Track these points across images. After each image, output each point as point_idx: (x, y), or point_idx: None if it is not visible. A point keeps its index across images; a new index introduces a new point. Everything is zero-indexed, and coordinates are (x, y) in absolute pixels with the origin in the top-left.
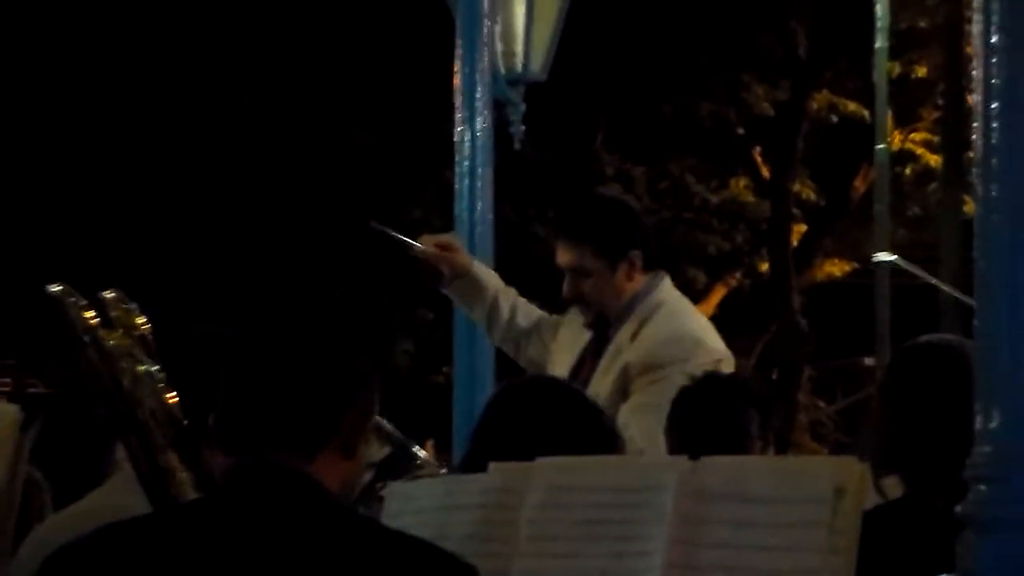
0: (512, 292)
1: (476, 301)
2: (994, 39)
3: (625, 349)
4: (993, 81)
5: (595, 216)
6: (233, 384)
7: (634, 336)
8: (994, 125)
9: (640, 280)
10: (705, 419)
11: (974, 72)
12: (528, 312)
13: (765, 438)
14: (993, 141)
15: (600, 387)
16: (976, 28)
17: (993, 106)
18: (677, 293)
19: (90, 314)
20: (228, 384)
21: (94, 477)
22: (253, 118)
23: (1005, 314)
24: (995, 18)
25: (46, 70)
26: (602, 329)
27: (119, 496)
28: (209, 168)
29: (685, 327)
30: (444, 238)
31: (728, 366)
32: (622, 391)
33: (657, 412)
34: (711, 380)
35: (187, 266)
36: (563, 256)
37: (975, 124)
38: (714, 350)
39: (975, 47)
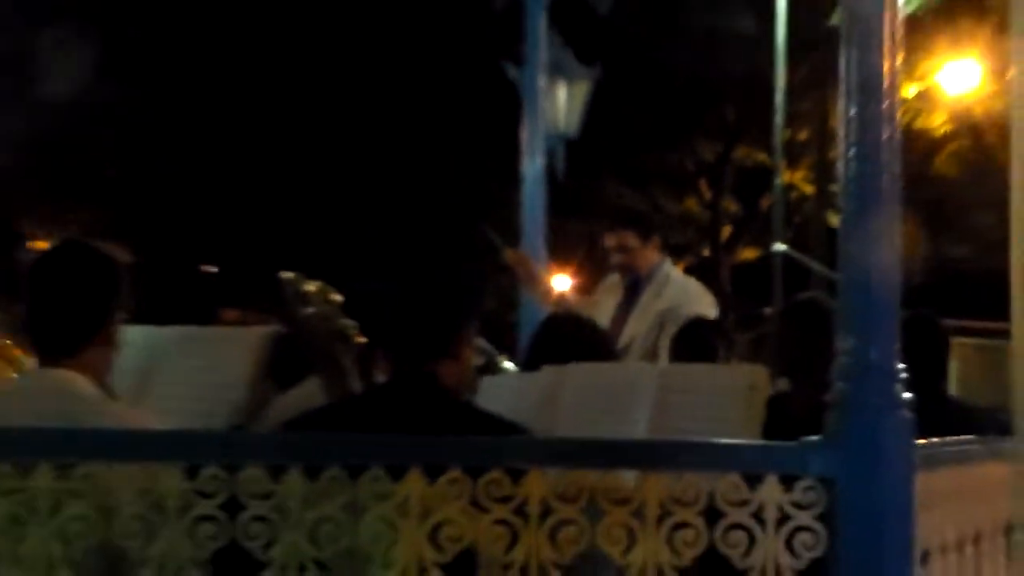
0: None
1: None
2: (851, 112)
3: (654, 302)
4: (849, 138)
5: (637, 215)
6: (392, 326)
7: (658, 295)
8: (850, 166)
9: (656, 257)
10: (689, 345)
11: (840, 134)
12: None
13: (728, 357)
14: (849, 175)
15: (637, 326)
16: (841, 106)
17: (850, 152)
18: (674, 267)
19: (311, 286)
20: (390, 326)
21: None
22: (395, 143)
23: (856, 276)
24: (852, 102)
25: (198, 68)
26: (632, 290)
27: (314, 390)
28: (357, 178)
29: (692, 287)
30: (519, 253)
31: (714, 309)
32: (659, 326)
33: None
34: (696, 321)
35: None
36: (614, 239)
37: (839, 165)
38: (709, 300)
39: (840, 119)
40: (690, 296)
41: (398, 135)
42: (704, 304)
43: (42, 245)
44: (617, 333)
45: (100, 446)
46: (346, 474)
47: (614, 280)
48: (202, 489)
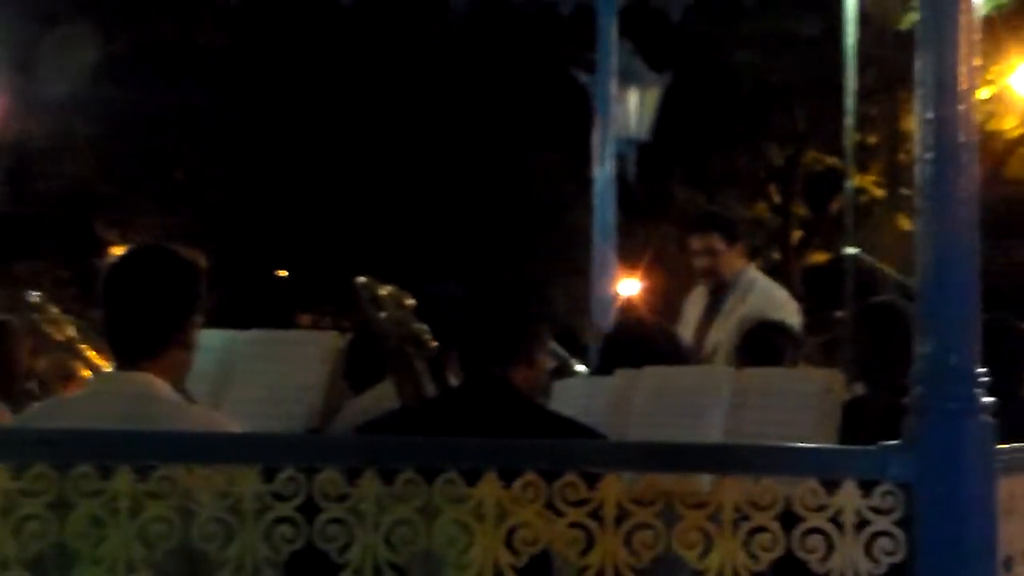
0: None
1: None
2: (928, 115)
3: (738, 307)
4: (926, 141)
5: (723, 219)
6: (466, 329)
7: (742, 300)
8: (927, 169)
9: (742, 262)
10: (754, 348)
11: (915, 137)
12: None
13: (795, 360)
14: (925, 178)
15: (720, 332)
16: (916, 109)
17: (927, 156)
18: (759, 272)
19: (384, 291)
20: (464, 330)
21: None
22: (468, 148)
23: (934, 279)
24: (928, 105)
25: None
26: (717, 296)
27: (388, 393)
28: (430, 183)
29: (777, 293)
30: None
31: (797, 316)
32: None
33: None
34: (761, 324)
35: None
36: (699, 242)
37: (916, 168)
38: (793, 308)
39: (916, 122)
40: (774, 303)
41: (471, 140)
42: (788, 312)
43: (119, 251)
44: (701, 339)
45: (179, 449)
46: (421, 477)
47: (700, 289)
48: (279, 492)
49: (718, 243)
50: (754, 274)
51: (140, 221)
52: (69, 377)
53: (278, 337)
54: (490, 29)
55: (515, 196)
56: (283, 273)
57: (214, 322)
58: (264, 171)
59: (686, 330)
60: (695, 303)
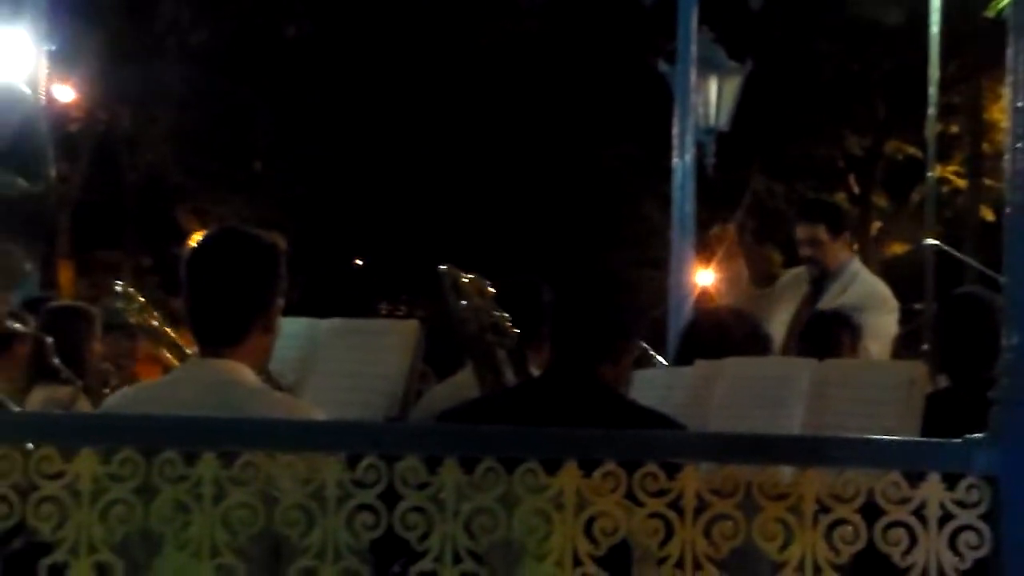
0: None
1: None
2: (1019, 103)
3: (838, 298)
4: (1017, 130)
5: (829, 209)
6: (558, 320)
7: (844, 290)
8: (1018, 158)
9: (846, 253)
10: (814, 338)
11: (1007, 126)
12: None
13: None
14: (1017, 167)
15: None
16: (1008, 97)
17: (1018, 144)
18: (864, 266)
19: (466, 279)
20: (555, 320)
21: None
22: (548, 138)
23: (1020, 272)
24: (1020, 94)
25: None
26: (818, 285)
27: (468, 382)
28: (510, 172)
29: (879, 288)
30: None
31: (895, 315)
32: None
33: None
34: (822, 314)
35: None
36: (805, 231)
37: (1005, 158)
38: (892, 306)
39: (1007, 111)
40: (873, 299)
41: (549, 130)
42: (886, 309)
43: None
44: (796, 326)
45: (262, 435)
46: (501, 466)
47: (797, 272)
48: (361, 479)
49: (823, 234)
50: (858, 266)
51: (219, 210)
52: (132, 359)
53: (359, 325)
54: (570, 19)
55: (593, 186)
56: (359, 262)
57: (295, 310)
58: (343, 161)
59: (781, 312)
60: (792, 286)
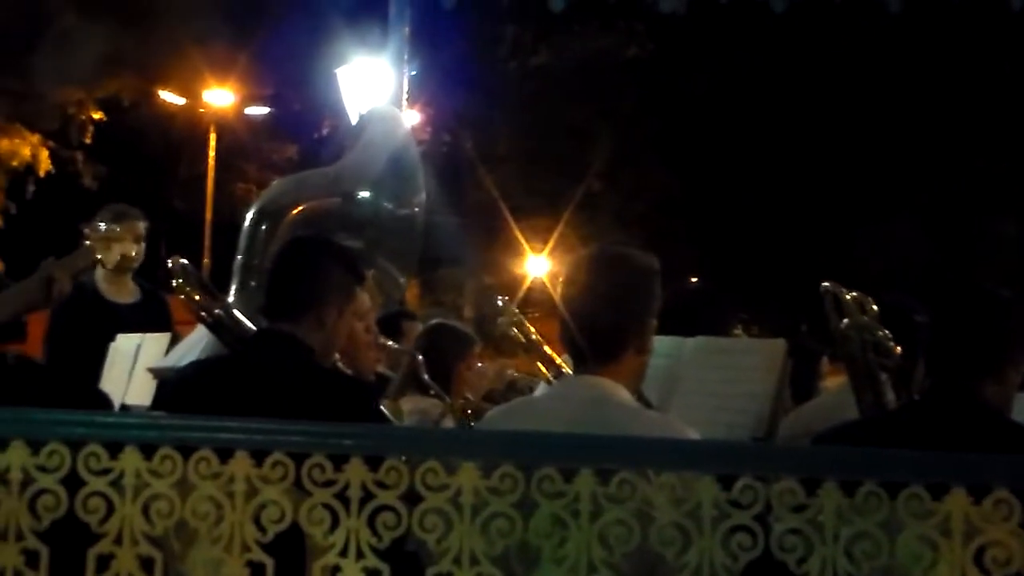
0: None
1: None
2: None
3: None
4: None
5: None
6: (936, 340)
7: None
8: None
9: None
10: None
11: None
12: None
13: None
14: None
15: None
16: None
17: None
18: None
19: (849, 296)
20: (933, 339)
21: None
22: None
23: None
24: None
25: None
26: None
27: (837, 401)
28: (870, 189)
29: None
30: None
31: None
32: None
33: None
34: None
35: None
36: None
37: None
38: None
39: None
40: None
41: (927, 139)
42: None
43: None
44: None
45: (638, 454)
46: (883, 490)
47: None
48: (737, 500)
49: None
50: None
51: (558, 228)
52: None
53: (724, 345)
54: (931, 27)
55: (978, 200)
56: (694, 280)
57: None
58: (682, 180)
59: None
60: None
